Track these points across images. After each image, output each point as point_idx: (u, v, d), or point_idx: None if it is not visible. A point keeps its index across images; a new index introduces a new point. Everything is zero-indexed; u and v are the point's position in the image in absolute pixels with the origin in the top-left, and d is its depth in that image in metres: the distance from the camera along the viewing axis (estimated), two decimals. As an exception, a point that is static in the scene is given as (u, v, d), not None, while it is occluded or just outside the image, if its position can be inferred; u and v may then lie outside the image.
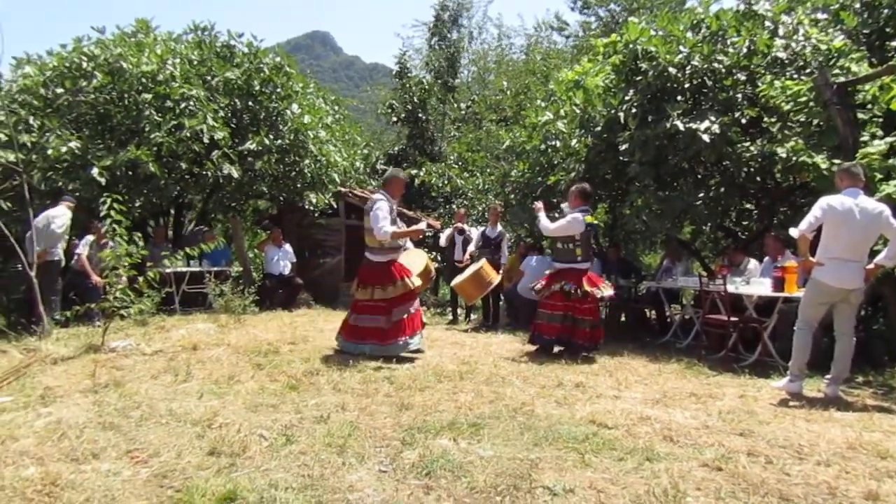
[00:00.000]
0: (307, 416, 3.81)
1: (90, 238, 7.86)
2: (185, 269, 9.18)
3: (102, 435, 3.37)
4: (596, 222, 6.44)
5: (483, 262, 7.84)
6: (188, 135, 8.50)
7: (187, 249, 7.37)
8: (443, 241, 9.64)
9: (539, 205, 6.64)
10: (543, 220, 6.47)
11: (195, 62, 9.60)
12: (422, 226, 6.48)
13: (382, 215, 5.69)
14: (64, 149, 7.84)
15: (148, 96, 8.56)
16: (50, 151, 7.77)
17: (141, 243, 6.27)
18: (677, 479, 2.90)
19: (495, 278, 8.01)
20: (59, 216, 7.31)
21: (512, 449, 3.29)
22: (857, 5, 6.94)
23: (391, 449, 3.27)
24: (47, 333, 6.36)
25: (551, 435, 3.52)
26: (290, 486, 2.73)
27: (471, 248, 9.21)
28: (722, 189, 7.49)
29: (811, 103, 6.19)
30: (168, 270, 8.40)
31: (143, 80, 8.70)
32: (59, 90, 8.42)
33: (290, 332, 7.15)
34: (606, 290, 6.42)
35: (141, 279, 6.22)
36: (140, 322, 7.30)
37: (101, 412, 3.80)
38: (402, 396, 4.35)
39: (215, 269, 9.62)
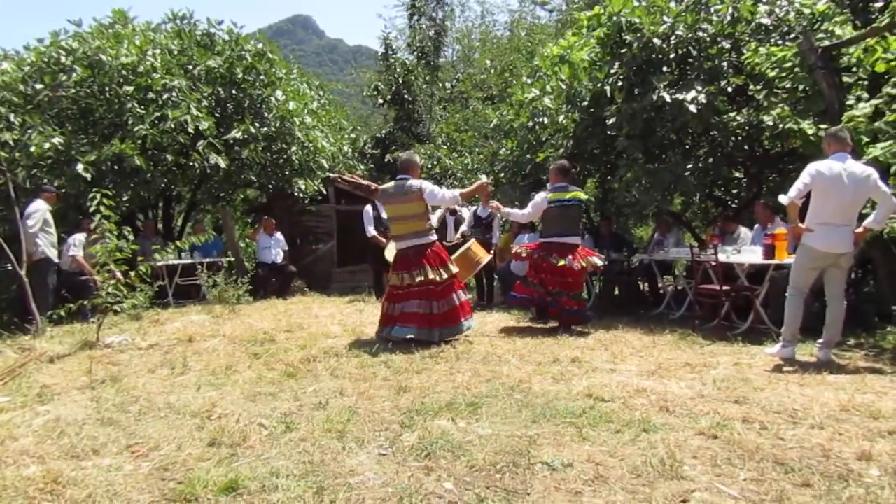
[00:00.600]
0: (306, 403, 3.83)
1: (80, 237, 7.76)
2: (177, 262, 9.15)
3: (102, 431, 3.38)
4: (567, 197, 6.45)
5: (472, 241, 7.84)
6: (172, 126, 8.41)
7: (178, 242, 7.33)
8: (434, 221, 9.62)
9: (495, 203, 6.77)
10: (514, 212, 6.81)
11: (175, 52, 9.47)
12: (483, 178, 6.47)
13: (437, 187, 5.86)
14: (47, 145, 7.73)
15: (129, 89, 8.44)
16: (33, 148, 7.67)
17: (131, 237, 6.24)
18: (674, 448, 2.94)
19: (485, 258, 8.01)
20: (32, 213, 7.11)
21: (510, 426, 3.32)
22: (840, -32, 6.89)
23: (390, 432, 3.29)
24: (41, 332, 6.34)
25: (549, 411, 3.56)
26: (292, 473, 2.75)
27: (463, 227, 9.21)
28: (710, 159, 7.50)
29: (796, 69, 6.18)
30: (160, 263, 8.37)
31: (124, 72, 8.58)
32: (39, 86, 8.28)
33: (286, 320, 7.14)
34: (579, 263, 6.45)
35: (133, 273, 6.20)
36: (134, 316, 7.29)
37: (99, 408, 3.81)
38: (399, 379, 4.37)
39: (207, 260, 9.59)
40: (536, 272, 6.60)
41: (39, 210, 7.18)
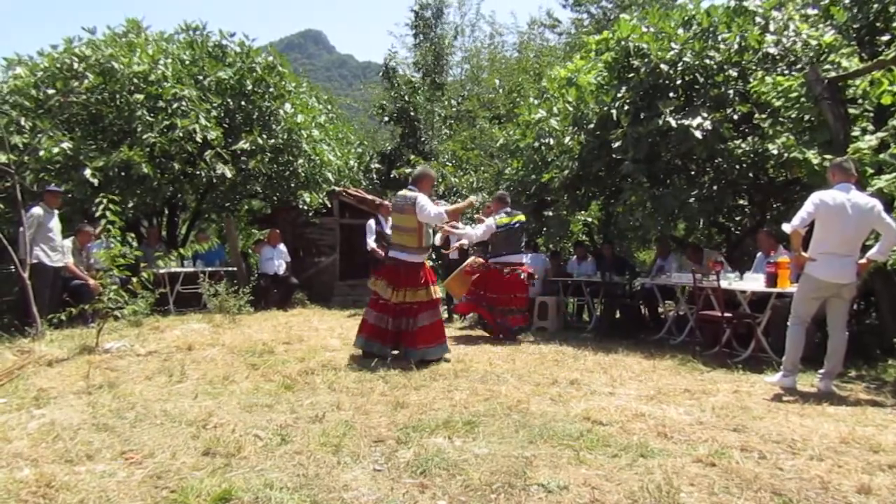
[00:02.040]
0: (302, 416, 3.81)
1: (68, 243, 7.75)
2: (179, 270, 9.15)
3: (97, 436, 3.36)
4: (514, 221, 7.35)
5: (470, 259, 7.86)
6: (181, 135, 8.47)
7: (181, 250, 7.34)
8: (438, 239, 9.63)
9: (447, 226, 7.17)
10: (470, 231, 7.36)
11: (187, 62, 9.58)
12: (472, 198, 6.77)
13: (430, 203, 5.67)
14: (56, 150, 7.79)
15: (140, 97, 8.53)
16: (42, 153, 7.73)
17: (135, 244, 6.25)
18: (671, 475, 2.91)
19: None
20: (27, 219, 6.91)
21: (507, 447, 3.30)
22: (847, 1, 6.96)
23: (386, 448, 3.27)
24: (41, 335, 6.33)
25: (546, 432, 3.53)
26: (285, 486, 2.73)
27: (463, 242, 9.17)
28: (715, 186, 7.51)
29: (802, 99, 6.21)
30: (162, 271, 8.38)
31: (135, 80, 8.68)
32: (51, 91, 8.37)
33: (285, 332, 7.14)
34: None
35: (135, 280, 6.20)
36: (134, 323, 7.28)
37: (95, 413, 3.79)
38: (397, 395, 4.35)
39: (210, 269, 9.60)
40: (483, 289, 7.34)
41: (33, 216, 7.04)
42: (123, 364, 5.29)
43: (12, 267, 6.71)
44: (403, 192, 5.87)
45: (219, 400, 4.17)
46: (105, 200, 6.00)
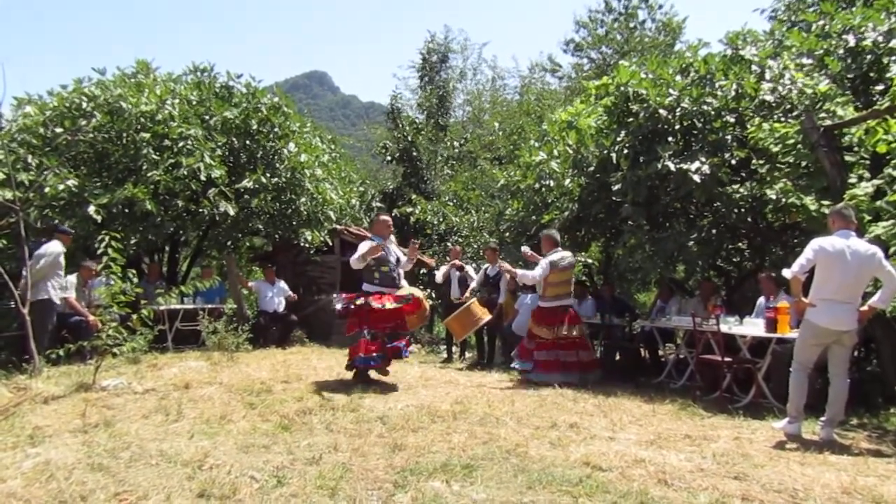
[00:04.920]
0: (299, 458, 3.78)
1: (72, 279, 7.78)
2: (178, 307, 9.13)
3: (91, 476, 3.33)
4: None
5: (473, 300, 7.88)
6: (185, 173, 8.57)
7: (182, 287, 7.35)
8: (439, 277, 9.65)
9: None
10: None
11: (194, 102, 9.74)
12: (525, 249, 7.78)
13: (531, 271, 7.22)
14: (61, 187, 7.86)
15: (146, 135, 8.65)
16: (47, 189, 7.80)
17: (135, 280, 6.27)
18: (672, 523, 2.88)
19: (484, 316, 8.01)
20: (47, 255, 7.03)
21: (505, 492, 3.26)
22: (841, 51, 7.12)
23: (383, 491, 3.24)
24: (38, 371, 6.30)
25: (545, 477, 3.50)
26: (281, 531, 2.70)
27: (473, 285, 9.20)
28: (714, 230, 7.57)
29: (799, 145, 6.30)
30: (161, 308, 8.37)
31: (142, 119, 8.80)
32: (59, 129, 8.49)
33: (284, 371, 7.09)
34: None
35: (134, 317, 6.20)
36: (132, 360, 7.24)
37: (90, 453, 3.76)
38: (395, 437, 4.31)
39: (209, 306, 9.57)
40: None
41: (54, 252, 7.09)
42: (120, 402, 5.25)
43: (12, 303, 6.71)
44: (565, 253, 7.29)
45: (215, 440, 4.14)
46: (107, 238, 6.05)
